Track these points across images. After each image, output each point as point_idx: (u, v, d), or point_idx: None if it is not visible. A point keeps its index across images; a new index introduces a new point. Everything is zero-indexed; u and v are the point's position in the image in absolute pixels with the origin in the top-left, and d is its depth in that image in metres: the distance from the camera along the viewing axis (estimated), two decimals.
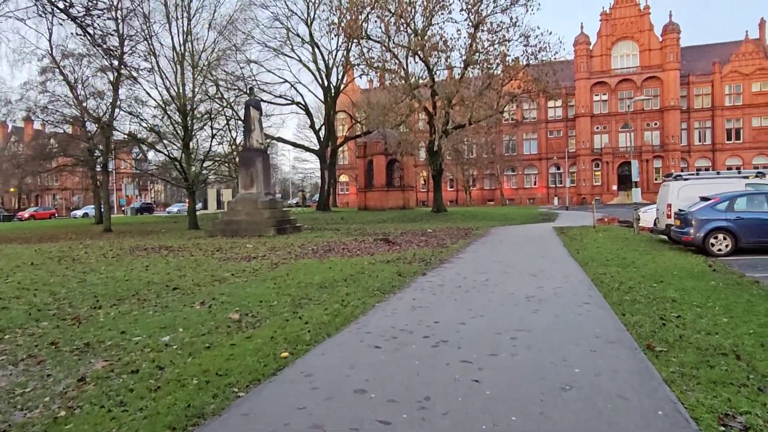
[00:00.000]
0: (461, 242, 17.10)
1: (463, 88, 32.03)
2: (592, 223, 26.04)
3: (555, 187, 69.27)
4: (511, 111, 37.27)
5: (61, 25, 29.50)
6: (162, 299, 8.31)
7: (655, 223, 17.75)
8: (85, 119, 30.72)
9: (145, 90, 28.75)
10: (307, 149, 49.06)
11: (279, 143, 53.84)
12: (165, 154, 29.31)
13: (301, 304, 7.52)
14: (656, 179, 65.17)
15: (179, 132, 27.52)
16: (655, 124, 66.66)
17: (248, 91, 23.77)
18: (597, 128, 68.46)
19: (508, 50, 32.54)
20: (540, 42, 32.23)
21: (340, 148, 74.05)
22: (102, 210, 32.60)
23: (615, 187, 66.55)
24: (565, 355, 4.84)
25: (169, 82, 28.34)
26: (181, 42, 28.28)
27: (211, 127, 28.10)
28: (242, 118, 24.47)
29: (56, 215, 63.10)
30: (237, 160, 23.60)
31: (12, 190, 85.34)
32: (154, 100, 28.39)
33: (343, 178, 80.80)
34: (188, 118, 27.92)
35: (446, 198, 75.30)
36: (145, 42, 28.90)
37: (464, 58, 31.52)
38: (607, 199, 63.30)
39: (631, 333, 5.53)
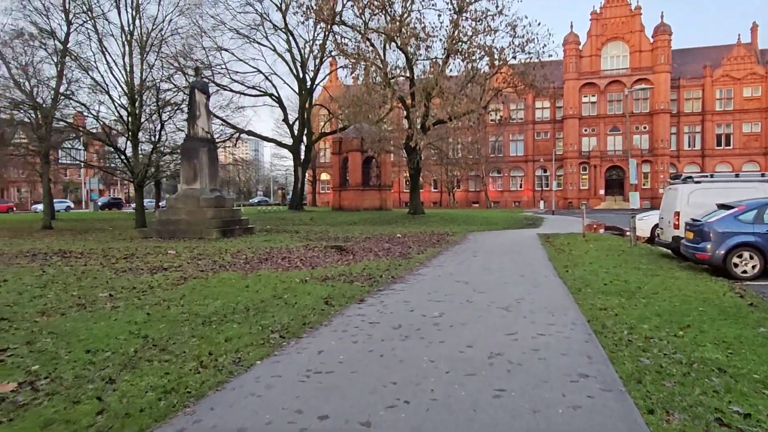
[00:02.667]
0: (429, 251, 14.46)
1: (444, 80, 29.43)
2: (580, 230, 23.59)
3: (541, 190, 67.12)
4: (497, 109, 34.75)
5: None
6: None
7: (655, 234, 15.28)
8: (26, 106, 27.60)
9: (87, 73, 25.47)
10: (280, 144, 46.11)
11: (252, 138, 51.01)
12: (107, 144, 26.25)
13: (138, 361, 4.80)
14: (644, 184, 63.32)
15: (126, 120, 24.50)
16: (645, 127, 64.79)
17: (194, 72, 20.86)
18: (585, 130, 66.45)
19: (493, 41, 30.03)
20: (528, 33, 29.77)
21: (323, 146, 71.25)
22: (46, 205, 29.38)
23: (602, 192, 64.58)
24: None
25: (117, 64, 25.40)
26: (130, 20, 25.33)
27: (160, 115, 25.04)
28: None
29: (14, 209, 59.41)
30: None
31: None
32: (99, 85, 25.29)
33: (324, 176, 78.02)
34: (136, 105, 24.93)
35: (429, 199, 72.80)
36: (92, 21, 25.96)
37: (445, 46, 28.90)
38: (594, 204, 61.22)
39: None
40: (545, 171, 68.91)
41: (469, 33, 28.75)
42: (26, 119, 28.15)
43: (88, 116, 25.99)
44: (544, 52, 30.34)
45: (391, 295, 8.08)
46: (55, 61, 27.42)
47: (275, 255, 13.34)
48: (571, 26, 66.33)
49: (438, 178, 69.84)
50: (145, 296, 8.08)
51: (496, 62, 30.47)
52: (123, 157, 25.75)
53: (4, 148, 28.58)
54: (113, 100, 24.91)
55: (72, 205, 65.99)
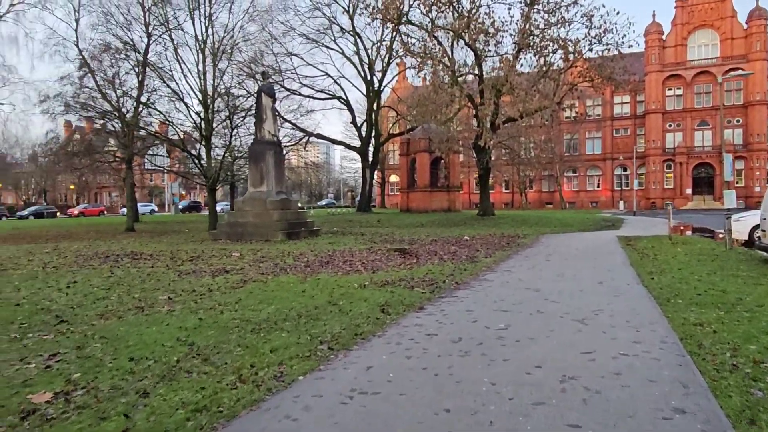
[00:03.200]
0: (497, 255, 13.69)
1: (515, 76, 28.29)
2: (665, 232, 21.82)
3: (621, 190, 63.60)
4: (572, 106, 33.04)
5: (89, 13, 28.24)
6: (10, 344, 5.57)
7: (754, 237, 13.70)
8: (111, 116, 29.24)
9: (165, 82, 26.60)
10: (348, 146, 46.36)
11: (322, 141, 51.74)
12: (182, 149, 27.27)
13: (178, 372, 4.54)
14: (737, 182, 58.42)
15: (199, 126, 25.35)
16: (738, 120, 59.88)
17: (261, 76, 21.12)
18: (669, 126, 62.37)
19: (567, 33, 28.57)
20: (605, 23, 28.07)
21: (392, 147, 71.17)
22: (129, 209, 30.99)
23: (689, 191, 60.28)
24: None
25: (191, 72, 26.31)
26: (203, 29, 26.19)
27: (231, 119, 25.69)
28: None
29: (105, 212, 63.55)
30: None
31: (72, 187, 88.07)
32: (176, 93, 26.31)
33: (393, 178, 77.92)
34: (209, 111, 25.72)
35: (500, 200, 70.89)
36: (168, 32, 27.08)
37: (516, 41, 27.77)
38: (680, 204, 57.15)
39: None
40: (625, 169, 65.28)
41: (542, 26, 27.48)
42: (112, 128, 29.85)
43: (169, 123, 27.04)
44: (623, 42, 28.51)
45: (453, 302, 7.49)
46: (137, 71, 28.87)
47: (337, 258, 13.07)
48: (654, 15, 62.74)
49: (509, 178, 67.88)
50: (202, 300, 7.97)
51: (571, 55, 28.99)
52: (197, 161, 26.64)
53: (93, 156, 30.32)
54: (188, 107, 25.84)
55: (156, 209, 69.85)
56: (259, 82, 36.29)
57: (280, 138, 44.82)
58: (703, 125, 61.54)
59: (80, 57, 29.05)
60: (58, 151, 30.38)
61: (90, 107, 28.86)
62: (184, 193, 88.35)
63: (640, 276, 9.53)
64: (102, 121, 30.29)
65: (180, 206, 66.36)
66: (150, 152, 36.57)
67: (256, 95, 20.09)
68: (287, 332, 5.85)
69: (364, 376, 4.36)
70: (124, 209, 65.68)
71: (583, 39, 28.36)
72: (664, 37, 61.87)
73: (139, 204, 70.52)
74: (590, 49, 28.69)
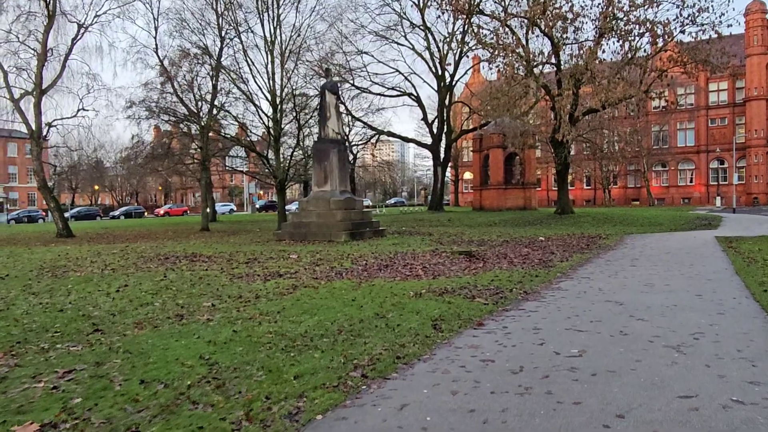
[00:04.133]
0: (575, 259, 12.38)
1: (596, 63, 26.26)
2: None
3: (717, 185, 58.31)
4: (661, 93, 30.30)
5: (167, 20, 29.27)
6: (35, 356, 5.25)
7: None
8: (189, 119, 30.18)
9: (236, 85, 27.03)
10: (419, 144, 45.55)
11: (396, 140, 51.27)
12: (252, 149, 27.58)
13: (183, 403, 3.93)
14: None
15: (267, 125, 25.50)
16: None
17: (324, 73, 20.71)
18: None
19: (656, 14, 26.16)
20: (700, 1, 25.43)
21: (466, 144, 69.54)
22: (204, 209, 31.89)
23: None
24: None
25: (260, 73, 26.56)
26: (272, 29, 26.31)
27: (297, 118, 25.63)
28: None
29: (188, 212, 66.61)
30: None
31: (159, 188, 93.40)
32: (246, 95, 26.64)
33: (467, 175, 76.19)
34: (277, 111, 25.81)
35: (581, 197, 67.30)
36: (238, 36, 27.48)
37: (597, 25, 25.75)
38: None
39: None
40: (722, 162, 59.88)
41: (626, 7, 25.30)
42: (187, 131, 30.84)
43: (241, 125, 27.50)
44: (721, 22, 25.70)
45: (518, 318, 6.49)
46: (211, 75, 29.58)
47: (398, 261, 12.30)
48: None
49: (591, 173, 64.23)
50: (245, 308, 7.46)
51: (660, 39, 26.54)
52: (266, 161, 26.85)
53: (172, 158, 31.43)
54: (257, 108, 26.06)
55: (235, 208, 72.43)
56: (323, 79, 36.32)
57: (351, 137, 44.92)
58: None
59: (160, 64, 30.19)
60: (140, 155, 31.81)
61: (170, 111, 29.94)
62: (261, 192, 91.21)
63: (749, 288, 8.02)
64: (181, 125, 31.38)
65: (257, 205, 68.35)
66: (228, 154, 37.56)
67: (319, 93, 19.73)
68: (321, 352, 5.14)
69: (394, 420, 3.54)
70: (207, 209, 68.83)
71: (674, 20, 25.90)
72: (767, 16, 56.01)
73: (219, 204, 73.84)
74: (682, 31, 26.14)
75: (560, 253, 13.46)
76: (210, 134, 30.06)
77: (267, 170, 28.43)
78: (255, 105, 26.01)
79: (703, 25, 25.69)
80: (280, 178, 25.67)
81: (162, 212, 61.67)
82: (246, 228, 30.75)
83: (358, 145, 47.28)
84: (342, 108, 41.76)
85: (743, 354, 4.70)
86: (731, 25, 27.40)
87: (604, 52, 26.87)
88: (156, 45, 29.82)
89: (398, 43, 42.01)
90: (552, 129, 28.58)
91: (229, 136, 29.59)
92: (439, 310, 6.86)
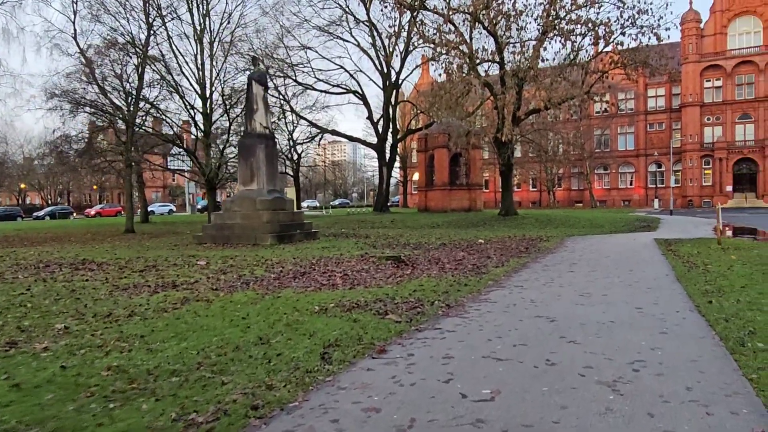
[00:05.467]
0: (511, 264, 11.48)
1: (539, 62, 25.84)
2: (709, 234, 19.21)
3: (655, 188, 60.04)
4: (602, 96, 30.36)
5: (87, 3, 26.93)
6: None
7: None
8: (112, 114, 27.87)
9: (161, 76, 25.03)
10: (364, 143, 44.42)
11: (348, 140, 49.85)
12: (179, 146, 25.67)
13: None
14: None
15: (193, 119, 23.69)
16: None
17: (252, 62, 19.18)
18: (708, 119, 58.57)
19: (598, 15, 25.95)
20: (639, 2, 25.43)
21: (413, 145, 68.88)
22: (129, 209, 29.56)
23: (730, 188, 56.41)
24: None
25: (189, 64, 24.70)
26: (200, 17, 24.52)
27: (228, 113, 23.95)
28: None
29: (122, 212, 62.94)
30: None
31: (95, 187, 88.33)
32: (172, 86, 24.70)
33: (416, 176, 75.64)
34: (207, 105, 24.04)
35: (527, 199, 67.97)
36: (164, 25, 25.52)
37: (540, 24, 25.32)
38: (720, 202, 53.40)
39: None
40: (660, 166, 61.75)
41: (569, 6, 24.95)
42: (109, 125, 28.50)
43: (163, 119, 25.49)
44: (659, 25, 25.76)
45: (431, 341, 5.38)
46: (136, 65, 27.45)
47: (318, 268, 11.05)
48: (690, 3, 58.56)
49: (537, 176, 64.95)
50: (106, 330, 6.04)
51: (601, 40, 26.42)
52: (194, 158, 25.02)
53: (94, 155, 29.01)
54: (184, 101, 24.19)
55: (174, 209, 69.13)
56: (272, 77, 34.63)
57: (295, 135, 43.28)
58: (744, 118, 57.58)
59: (80, 52, 27.80)
60: (58, 151, 29.19)
61: (97, 105, 27.55)
62: (204, 192, 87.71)
63: (692, 297, 7.22)
64: (102, 119, 29.01)
65: (199, 206, 65.41)
66: (170, 152, 35.11)
67: (247, 84, 18.23)
68: (155, 400, 3.84)
69: None
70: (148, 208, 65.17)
71: (615, 21, 25.79)
72: (702, 26, 58.12)
73: (157, 204, 70.37)
74: (623, 33, 26.05)
75: (497, 258, 12.55)
76: (136, 129, 27.86)
77: (198, 168, 26.52)
78: (182, 97, 24.08)
79: (642, 27, 25.68)
80: (209, 176, 23.88)
81: (93, 213, 57.91)
82: (176, 230, 28.71)
83: (302, 143, 45.73)
84: (286, 106, 40.26)
85: (694, 393, 3.71)
86: (669, 29, 27.82)
87: (546, 50, 26.51)
88: (75, 31, 27.40)
89: (343, 39, 40.80)
90: (495, 129, 28.00)
91: (152, 131, 27.42)
92: (338, 332, 5.67)
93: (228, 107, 24.27)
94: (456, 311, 6.80)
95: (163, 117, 25.38)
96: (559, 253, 13.73)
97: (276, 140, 19.71)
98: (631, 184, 63.96)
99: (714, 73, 58.01)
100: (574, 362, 4.50)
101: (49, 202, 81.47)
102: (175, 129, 26.06)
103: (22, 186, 77.22)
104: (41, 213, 54.68)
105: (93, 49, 28.32)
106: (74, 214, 57.21)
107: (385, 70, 40.69)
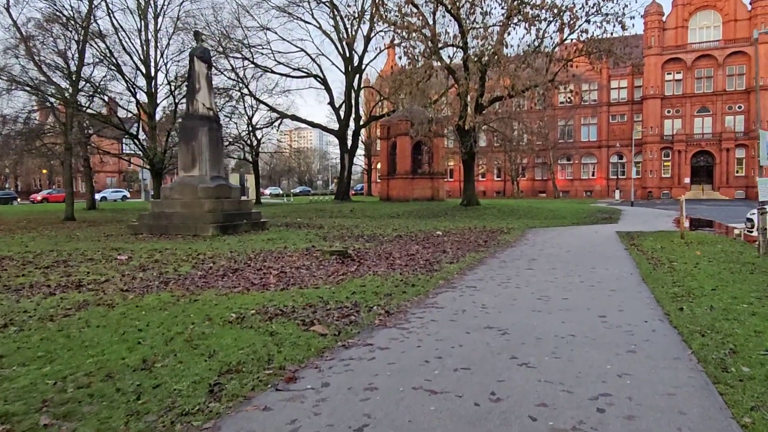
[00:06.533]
0: (467, 259, 10.61)
1: (504, 48, 25.02)
2: (670, 226, 18.87)
3: (617, 179, 60.62)
4: (566, 85, 29.87)
5: None
6: None
7: None
8: (50, 94, 25.80)
9: (102, 53, 23.17)
10: (325, 129, 43.08)
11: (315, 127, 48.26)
12: (120, 128, 23.90)
13: None
14: (737, 171, 55.66)
15: (135, 99, 22.00)
16: (740, 107, 56.89)
17: (194, 37, 17.67)
18: (668, 112, 59.27)
19: (563, 1, 25.26)
20: None
21: (378, 132, 67.69)
22: (68, 195, 27.58)
23: (687, 180, 57.34)
24: None
25: (132, 42, 22.90)
26: None
27: (172, 93, 22.33)
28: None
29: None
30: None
31: (44, 171, 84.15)
32: (113, 63, 22.88)
33: (380, 165, 74.59)
34: (152, 85, 22.37)
35: (492, 188, 67.80)
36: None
37: (505, 8, 24.48)
38: (678, 194, 54.19)
39: None
40: (621, 157, 62.35)
41: None
42: (47, 105, 26.46)
43: (100, 98, 23.65)
44: (624, 14, 25.27)
45: (355, 363, 4.40)
46: (76, 40, 25.47)
47: (255, 263, 9.95)
48: None
49: (501, 165, 64.76)
50: None
51: (566, 27, 25.78)
52: (137, 142, 23.34)
53: (30, 137, 26.91)
54: (126, 80, 22.44)
55: (128, 195, 66.30)
56: (233, 58, 32.83)
57: (254, 120, 41.56)
58: (703, 111, 58.50)
59: (13, 24, 25.65)
60: None
61: (39, 83, 25.43)
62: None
63: (660, 302, 6.45)
64: (39, 99, 26.91)
65: (152, 192, 62.82)
66: (125, 136, 33.13)
67: (189, 61, 16.77)
68: None
69: None
70: (98, 195, 62.19)
71: (580, 8, 25.17)
72: (664, 19, 58.54)
73: (110, 190, 67.34)
74: (588, 20, 25.46)
75: (453, 252, 11.69)
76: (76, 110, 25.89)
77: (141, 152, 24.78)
78: (123, 76, 22.31)
79: (607, 14, 25.11)
80: (154, 160, 22.26)
81: (39, 198, 54.78)
82: (122, 217, 26.94)
83: (261, 128, 44.05)
84: (245, 90, 38.47)
85: None
86: (633, 17, 27.42)
87: (510, 35, 25.71)
88: (8, 1, 25.21)
89: (304, 21, 39.18)
90: (458, 117, 27.17)
91: (96, 112, 25.53)
92: (245, 351, 4.64)
93: (174, 88, 22.62)
94: (395, 320, 5.85)
95: (102, 97, 23.50)
96: (519, 247, 12.97)
97: (220, 123, 18.30)
98: (593, 175, 64.45)
99: (675, 66, 58.62)
100: (525, 396, 3.58)
101: None
102: (127, 112, 24.26)
103: None
104: None
105: (33, 23, 26.26)
106: (18, 200, 54.04)
107: (347, 54, 39.35)
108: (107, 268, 9.37)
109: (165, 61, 22.98)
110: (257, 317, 5.86)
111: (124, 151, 45.04)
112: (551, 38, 26.16)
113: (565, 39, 26.19)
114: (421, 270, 9.21)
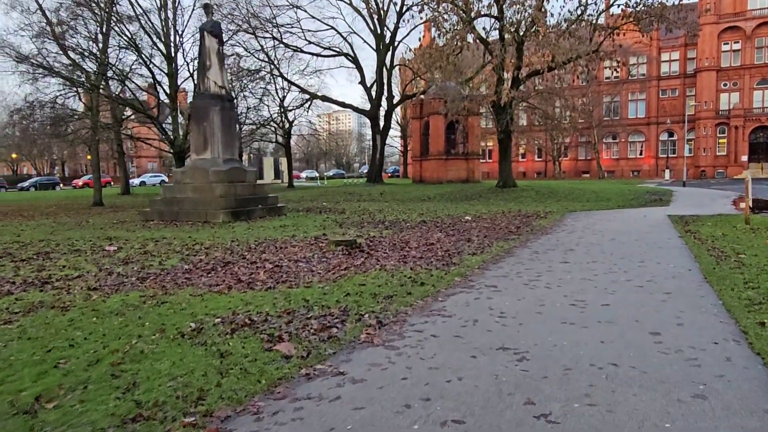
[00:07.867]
0: (493, 249, 9.29)
1: (543, 16, 23.11)
2: (728, 209, 16.91)
3: (666, 158, 57.09)
4: (611, 55, 27.57)
5: None
6: None
7: None
8: (78, 80, 25.52)
9: (118, 34, 22.57)
10: (357, 110, 41.83)
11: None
12: (141, 111, 23.33)
13: None
14: None
15: (156, 84, 21.34)
16: None
17: (204, 10, 16.60)
18: (725, 85, 55.26)
19: None
20: None
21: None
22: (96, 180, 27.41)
23: (745, 158, 53.50)
24: None
25: (154, 25, 22.17)
26: None
27: (192, 75, 21.56)
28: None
29: (111, 183, 61.05)
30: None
31: (89, 157, 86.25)
32: (131, 43, 22.25)
33: (413, 145, 72.84)
34: (172, 65, 21.63)
35: (533, 169, 65.26)
36: None
37: None
38: (734, 173, 50.67)
39: None
40: (672, 135, 58.73)
41: None
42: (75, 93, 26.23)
43: (121, 82, 23.15)
44: None
45: (312, 406, 3.25)
46: (99, 23, 25.00)
47: (250, 256, 8.93)
48: None
49: (542, 145, 62.06)
50: None
51: None
52: (159, 125, 22.71)
53: (58, 123, 26.79)
54: (144, 60, 21.76)
55: (166, 180, 67.15)
56: (264, 39, 31.86)
57: (286, 102, 40.70)
58: (763, 84, 54.25)
59: (39, 8, 25.39)
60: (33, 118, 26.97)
61: (51, 69, 25.20)
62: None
63: (732, 313, 5.01)
64: (65, 84, 26.69)
65: None
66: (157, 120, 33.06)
67: (199, 36, 15.77)
68: None
69: None
70: (133, 180, 63.12)
71: None
72: None
73: (149, 175, 68.34)
74: None
75: (478, 241, 10.37)
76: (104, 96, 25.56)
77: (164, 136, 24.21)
78: (142, 56, 21.65)
79: None
80: (175, 143, 21.62)
81: (81, 183, 55.96)
82: (145, 204, 26.71)
83: (293, 110, 43.16)
84: (276, 71, 37.57)
85: None
86: (682, 4, 24.73)
87: (549, 2, 23.70)
88: None
89: None
90: (494, 92, 25.47)
91: (120, 96, 25.08)
92: (179, 381, 3.56)
93: (192, 69, 21.88)
94: (387, 334, 4.67)
95: (124, 83, 22.95)
96: (555, 235, 11.52)
97: (234, 102, 17.33)
98: (641, 154, 61.05)
99: (732, 36, 54.44)
100: None
101: (44, 172, 79.61)
102: (163, 95, 23.73)
103: (14, 156, 75.17)
104: (26, 184, 52.83)
105: (62, 8, 25.96)
106: (60, 185, 55.30)
107: (379, 31, 37.82)
108: (88, 262, 8.52)
109: (182, 41, 22.16)
110: (218, 329, 4.79)
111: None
112: (596, 4, 24.00)
113: (611, 4, 24.01)
114: (437, 263, 7.97)
